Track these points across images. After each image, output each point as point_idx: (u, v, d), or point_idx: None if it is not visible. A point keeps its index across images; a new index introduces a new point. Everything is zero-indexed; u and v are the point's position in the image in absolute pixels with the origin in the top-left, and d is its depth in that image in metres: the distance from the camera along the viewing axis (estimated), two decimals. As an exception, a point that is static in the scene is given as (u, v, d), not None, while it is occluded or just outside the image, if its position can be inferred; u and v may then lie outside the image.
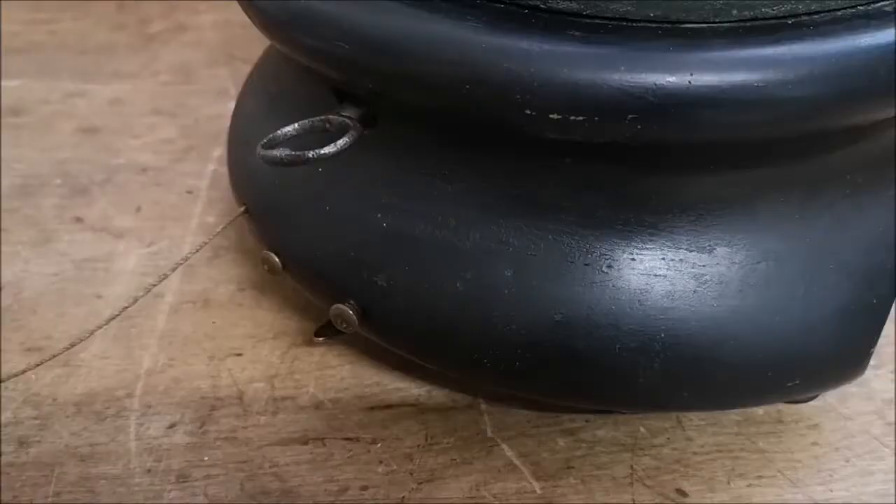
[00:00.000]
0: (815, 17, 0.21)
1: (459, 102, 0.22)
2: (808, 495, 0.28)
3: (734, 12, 0.21)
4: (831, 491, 0.28)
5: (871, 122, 0.22)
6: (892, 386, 0.31)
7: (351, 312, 0.27)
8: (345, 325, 0.27)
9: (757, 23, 0.21)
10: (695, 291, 0.24)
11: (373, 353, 0.32)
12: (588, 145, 0.22)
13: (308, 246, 0.28)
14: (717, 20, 0.21)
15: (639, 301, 0.24)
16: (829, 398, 0.31)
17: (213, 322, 0.34)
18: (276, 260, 0.29)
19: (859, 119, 0.22)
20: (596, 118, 0.20)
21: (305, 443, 0.29)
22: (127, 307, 0.30)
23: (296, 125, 0.24)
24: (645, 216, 0.24)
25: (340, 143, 0.23)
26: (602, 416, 0.30)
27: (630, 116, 0.20)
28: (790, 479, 0.28)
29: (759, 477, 0.28)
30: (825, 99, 0.20)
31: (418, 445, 0.29)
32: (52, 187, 0.40)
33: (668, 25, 0.21)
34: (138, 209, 0.39)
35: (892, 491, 0.28)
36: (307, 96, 0.27)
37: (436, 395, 0.31)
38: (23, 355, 0.32)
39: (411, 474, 0.28)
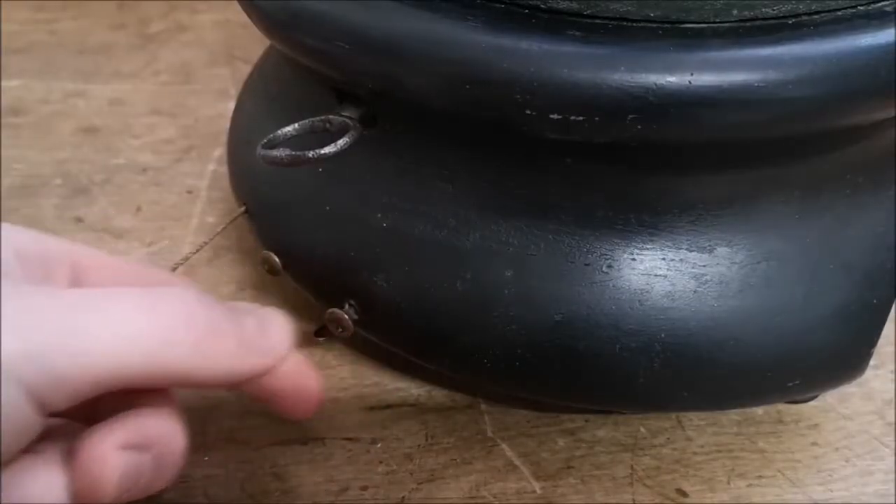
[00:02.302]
0: (816, 17, 0.21)
1: (459, 102, 0.22)
2: (807, 495, 0.28)
3: (734, 12, 0.21)
4: (831, 491, 0.28)
5: (871, 122, 0.22)
6: (892, 386, 0.31)
7: (346, 316, 0.27)
8: (340, 330, 0.27)
9: (757, 23, 0.21)
10: (695, 291, 0.24)
11: (373, 354, 0.32)
12: (588, 145, 0.22)
13: (308, 246, 0.28)
14: (718, 20, 0.21)
15: (639, 301, 0.24)
16: (829, 398, 0.31)
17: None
18: (276, 260, 0.29)
19: (859, 119, 0.22)
20: (596, 118, 0.20)
21: (305, 443, 0.29)
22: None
23: (296, 125, 0.24)
24: (645, 216, 0.24)
25: (340, 143, 0.23)
26: (602, 416, 0.30)
27: (630, 116, 0.20)
28: (790, 478, 0.28)
29: (759, 477, 0.28)
30: (825, 99, 0.20)
31: (418, 445, 0.29)
32: (52, 187, 0.40)
33: (669, 25, 0.21)
34: (138, 209, 0.39)
35: (892, 491, 0.28)
36: (307, 96, 0.27)
37: (436, 395, 0.31)
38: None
39: (411, 474, 0.28)
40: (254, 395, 0.24)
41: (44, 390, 0.18)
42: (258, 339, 0.22)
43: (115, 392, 0.20)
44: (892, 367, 0.32)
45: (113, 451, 0.20)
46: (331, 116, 0.24)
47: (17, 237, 0.22)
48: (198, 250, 0.32)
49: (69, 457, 0.20)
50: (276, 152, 0.23)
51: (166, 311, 0.20)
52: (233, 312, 0.22)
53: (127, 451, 0.20)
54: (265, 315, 0.23)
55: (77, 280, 0.23)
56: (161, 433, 0.21)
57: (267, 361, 0.23)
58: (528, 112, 0.21)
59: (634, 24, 0.21)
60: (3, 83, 0.48)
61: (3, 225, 0.22)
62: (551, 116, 0.21)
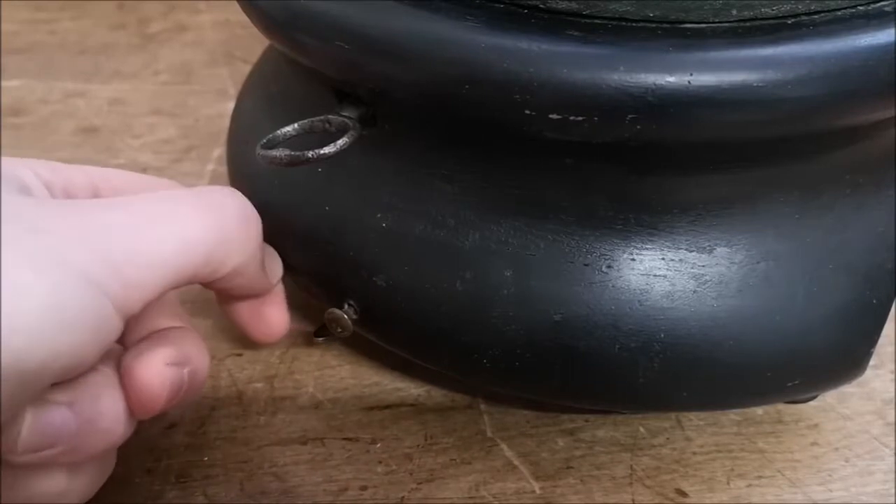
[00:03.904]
0: (815, 17, 0.21)
1: (459, 102, 0.22)
2: (807, 495, 0.28)
3: (734, 12, 0.21)
4: (831, 491, 0.28)
5: (871, 122, 0.22)
6: (892, 386, 0.31)
7: (346, 317, 0.27)
8: (340, 330, 0.27)
9: (756, 23, 0.21)
10: (694, 291, 0.24)
11: (372, 354, 0.32)
12: (588, 145, 0.22)
13: (308, 246, 0.28)
14: (717, 20, 0.21)
15: (638, 301, 0.24)
16: (829, 398, 0.31)
17: (212, 322, 0.34)
18: None
19: (859, 119, 0.22)
20: (595, 118, 0.20)
21: (305, 443, 0.29)
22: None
23: (296, 125, 0.24)
24: (644, 216, 0.24)
25: (340, 143, 0.23)
26: (601, 416, 0.30)
27: (629, 116, 0.20)
28: (790, 479, 0.28)
29: (759, 477, 0.28)
30: (825, 99, 0.20)
31: (418, 445, 0.29)
32: (51, 187, 0.40)
33: (668, 25, 0.21)
34: (138, 209, 0.39)
35: (892, 491, 0.28)
36: (307, 96, 0.27)
37: (435, 395, 0.31)
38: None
39: (411, 474, 0.28)
40: (231, 315, 0.29)
41: (124, 297, 0.20)
42: (270, 261, 0.27)
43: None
44: (893, 367, 0.32)
45: (163, 367, 0.23)
46: (330, 116, 0.24)
47: (41, 170, 0.24)
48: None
49: (121, 373, 0.22)
50: (275, 152, 0.23)
51: (221, 209, 0.23)
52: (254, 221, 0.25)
53: (171, 366, 0.23)
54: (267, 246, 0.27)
55: None
56: (194, 350, 0.24)
57: (269, 285, 0.27)
58: (527, 112, 0.21)
59: (634, 25, 0.21)
60: (3, 83, 0.48)
61: (24, 161, 0.23)
62: (551, 116, 0.21)
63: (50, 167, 0.24)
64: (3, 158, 0.23)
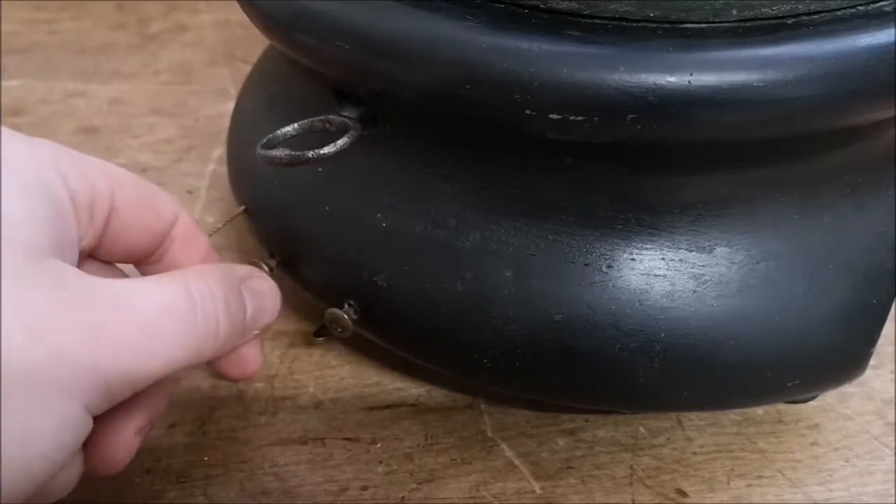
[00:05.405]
0: (815, 16, 0.21)
1: (459, 102, 0.22)
2: (807, 495, 0.28)
3: (734, 12, 0.21)
4: (831, 491, 0.28)
5: (871, 122, 0.22)
6: (892, 386, 0.31)
7: (346, 317, 0.27)
8: (340, 330, 0.27)
9: (757, 23, 0.21)
10: (694, 291, 0.24)
11: (373, 354, 0.32)
12: (588, 145, 0.22)
13: (308, 246, 0.28)
14: (717, 20, 0.21)
15: (639, 301, 0.24)
16: (829, 398, 0.31)
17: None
18: (265, 268, 0.29)
19: (859, 119, 0.22)
20: (596, 118, 0.20)
21: (305, 443, 0.29)
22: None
23: (296, 125, 0.24)
24: (645, 216, 0.24)
25: (340, 143, 0.23)
26: (602, 416, 0.30)
27: (630, 116, 0.20)
28: (790, 479, 0.28)
29: (759, 477, 0.28)
30: (825, 99, 0.20)
31: (418, 445, 0.29)
32: (51, 187, 0.40)
33: (668, 25, 0.21)
34: (138, 209, 0.39)
35: (892, 491, 0.28)
36: (307, 96, 0.27)
37: (436, 395, 0.31)
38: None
39: (411, 474, 0.28)
40: None
41: (98, 406, 0.20)
42: (253, 322, 0.25)
43: None
44: (892, 367, 0.32)
45: (132, 437, 0.22)
46: (331, 116, 0.24)
47: (70, 172, 0.22)
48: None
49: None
50: (275, 152, 0.23)
51: (207, 328, 0.22)
52: (240, 298, 0.24)
53: (139, 434, 0.23)
54: (261, 294, 0.25)
55: (108, 222, 0.24)
56: (161, 406, 0.24)
57: (252, 336, 0.25)
58: (527, 112, 0.21)
59: (634, 25, 0.21)
60: (3, 83, 0.48)
61: (56, 155, 0.22)
62: (551, 116, 0.21)
63: (79, 170, 0.23)
64: (39, 144, 0.21)
